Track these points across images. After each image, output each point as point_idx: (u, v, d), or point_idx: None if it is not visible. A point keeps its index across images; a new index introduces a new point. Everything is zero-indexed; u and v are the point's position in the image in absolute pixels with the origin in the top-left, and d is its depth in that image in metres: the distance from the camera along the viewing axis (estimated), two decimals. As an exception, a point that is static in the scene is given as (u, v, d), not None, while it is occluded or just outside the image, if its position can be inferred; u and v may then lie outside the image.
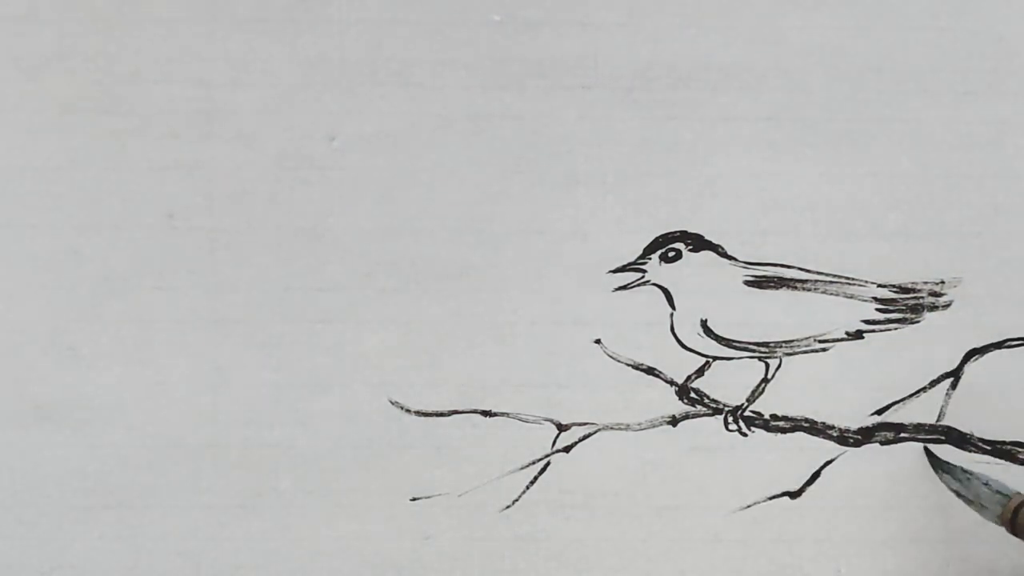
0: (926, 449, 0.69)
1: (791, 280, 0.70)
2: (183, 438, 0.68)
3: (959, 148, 0.70)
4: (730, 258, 0.70)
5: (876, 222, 0.70)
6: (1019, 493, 0.64)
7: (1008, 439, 0.70)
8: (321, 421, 0.68)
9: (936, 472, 0.68)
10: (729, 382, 0.69)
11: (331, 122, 0.70)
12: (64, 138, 0.69)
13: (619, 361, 0.69)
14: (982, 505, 0.65)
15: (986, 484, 0.65)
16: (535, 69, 0.70)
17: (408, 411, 0.68)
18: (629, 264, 0.69)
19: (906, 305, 0.70)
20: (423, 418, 0.68)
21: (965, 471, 0.67)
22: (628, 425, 0.69)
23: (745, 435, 0.69)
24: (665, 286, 0.69)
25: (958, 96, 0.70)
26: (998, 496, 0.65)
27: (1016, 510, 0.63)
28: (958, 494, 0.67)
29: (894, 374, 0.70)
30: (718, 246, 0.70)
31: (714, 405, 0.69)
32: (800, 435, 0.69)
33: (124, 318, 0.68)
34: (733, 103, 0.70)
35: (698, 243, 0.69)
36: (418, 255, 0.69)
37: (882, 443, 0.69)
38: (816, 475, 0.69)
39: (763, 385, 0.69)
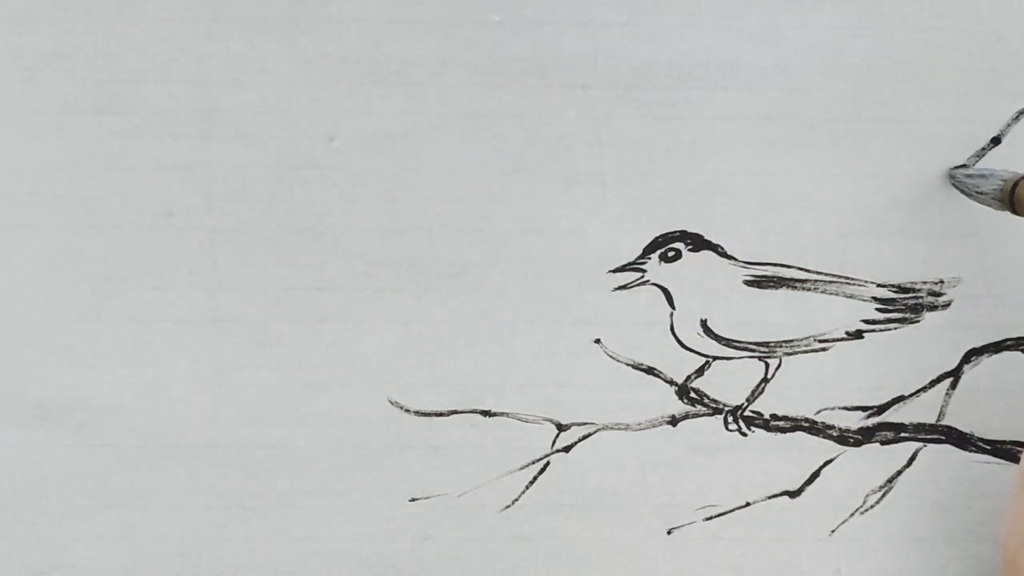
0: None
1: (791, 280, 0.70)
2: (183, 438, 0.68)
3: (959, 148, 0.70)
4: (730, 258, 0.70)
5: (876, 222, 0.70)
6: (1016, 172, 0.66)
7: (1008, 439, 0.70)
8: (321, 421, 0.68)
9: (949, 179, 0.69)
10: (729, 382, 0.69)
11: (331, 122, 0.70)
12: (64, 138, 0.69)
13: (619, 361, 0.69)
14: (981, 193, 0.67)
15: (980, 192, 0.67)
16: (535, 69, 0.70)
17: (408, 411, 0.68)
18: (629, 264, 0.69)
19: (906, 305, 0.70)
20: (423, 418, 0.68)
21: (961, 180, 0.68)
22: (628, 425, 0.69)
23: (745, 435, 0.69)
24: (665, 286, 0.69)
25: (958, 96, 0.70)
26: (996, 185, 0.66)
27: (1015, 186, 0.64)
28: (962, 191, 0.68)
29: (894, 374, 0.70)
30: (718, 246, 0.70)
31: (714, 405, 0.69)
32: (800, 435, 0.69)
33: (124, 318, 0.68)
34: (733, 102, 0.70)
35: (698, 243, 0.69)
36: (418, 255, 0.69)
37: (882, 443, 0.70)
38: (816, 475, 0.69)
39: (763, 385, 0.69)
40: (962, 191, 0.68)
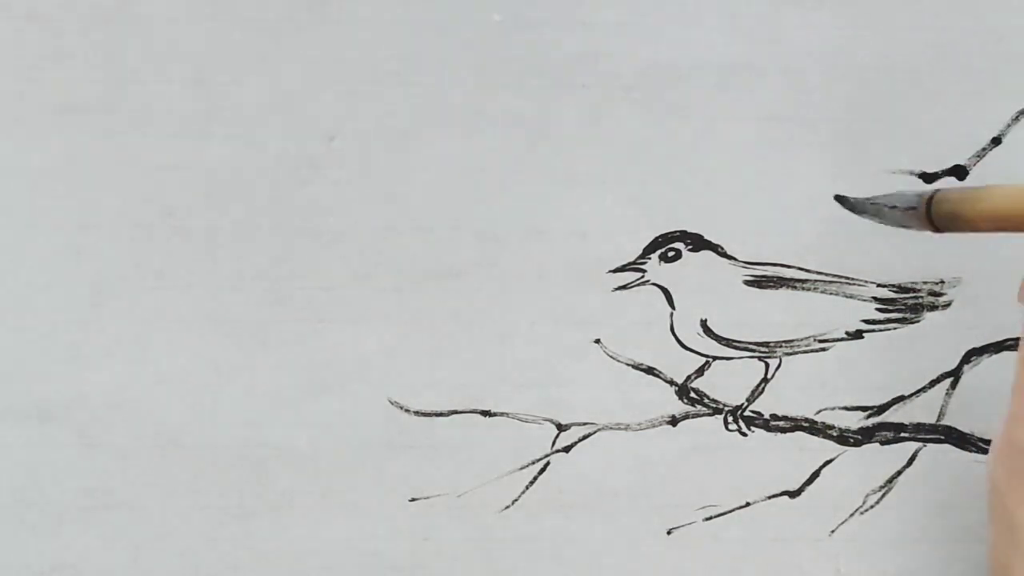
0: (837, 198, 0.67)
1: (791, 280, 0.70)
2: (183, 438, 0.68)
3: (959, 148, 0.70)
4: (730, 258, 0.70)
5: (876, 222, 0.70)
6: (926, 191, 0.60)
7: (1008, 439, 0.70)
8: (321, 421, 0.68)
9: (851, 211, 0.66)
10: (729, 382, 0.69)
11: (331, 122, 0.70)
12: (64, 138, 0.69)
13: (619, 361, 0.69)
14: (901, 224, 0.62)
15: (893, 207, 0.62)
16: (535, 69, 0.70)
17: (408, 411, 0.68)
18: (629, 264, 0.69)
19: (906, 305, 0.70)
20: (423, 418, 0.68)
21: (870, 203, 0.64)
22: (628, 425, 0.69)
23: (745, 435, 0.69)
24: (665, 286, 0.69)
25: (958, 96, 0.70)
26: (911, 199, 0.60)
27: (928, 203, 0.58)
28: (879, 220, 0.64)
29: (894, 374, 0.70)
30: (718, 246, 0.70)
31: (714, 405, 0.69)
32: (800, 435, 0.69)
33: (124, 318, 0.68)
34: (733, 102, 0.70)
35: (698, 243, 0.69)
36: (418, 255, 0.69)
37: (882, 443, 0.69)
38: (816, 475, 0.69)
39: (763, 385, 0.69)
40: (862, 213, 0.64)
